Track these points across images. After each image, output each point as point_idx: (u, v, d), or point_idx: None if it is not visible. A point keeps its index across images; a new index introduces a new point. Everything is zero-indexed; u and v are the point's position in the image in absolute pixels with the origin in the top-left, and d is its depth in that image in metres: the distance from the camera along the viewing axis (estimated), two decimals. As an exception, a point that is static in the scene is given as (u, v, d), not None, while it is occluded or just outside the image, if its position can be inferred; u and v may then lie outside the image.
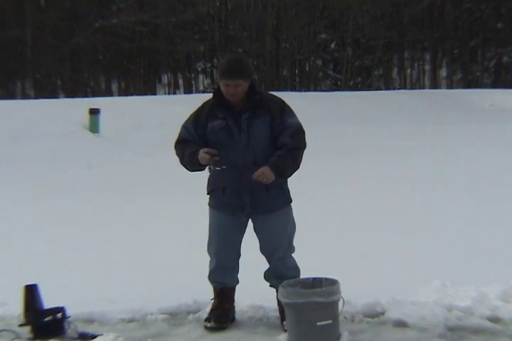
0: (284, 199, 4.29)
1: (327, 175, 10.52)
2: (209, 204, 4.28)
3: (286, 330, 4.01)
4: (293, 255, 4.36)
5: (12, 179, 10.98)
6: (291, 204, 4.40)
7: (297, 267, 4.29)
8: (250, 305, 4.43)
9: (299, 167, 4.15)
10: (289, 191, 4.34)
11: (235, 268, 4.32)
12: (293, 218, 4.36)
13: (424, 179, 9.77)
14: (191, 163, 4.10)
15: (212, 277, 4.30)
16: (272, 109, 4.10)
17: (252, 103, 4.08)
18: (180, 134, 4.21)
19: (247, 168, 4.02)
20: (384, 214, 7.47)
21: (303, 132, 4.17)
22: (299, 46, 40.84)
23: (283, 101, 4.20)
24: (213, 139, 4.10)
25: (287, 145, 4.05)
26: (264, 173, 3.95)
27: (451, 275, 4.69)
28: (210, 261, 4.29)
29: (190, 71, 45.69)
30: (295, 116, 4.20)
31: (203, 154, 3.98)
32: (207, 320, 4.25)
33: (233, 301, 4.36)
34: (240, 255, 4.30)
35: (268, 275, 4.26)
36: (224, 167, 4.01)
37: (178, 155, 4.18)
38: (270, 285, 4.28)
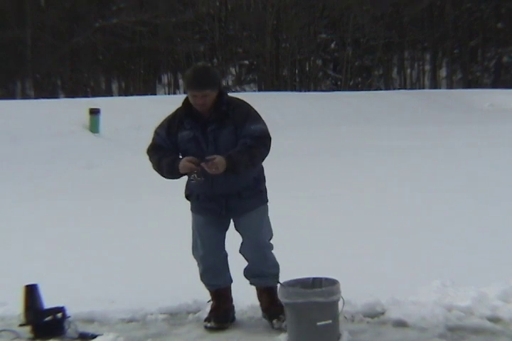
0: (260, 198, 4.26)
1: (327, 175, 10.51)
2: (190, 208, 4.32)
3: (274, 327, 4.07)
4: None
5: (12, 179, 10.98)
6: (269, 203, 4.38)
7: (277, 264, 4.25)
8: (250, 305, 4.43)
9: (255, 166, 4.12)
10: (265, 191, 4.33)
11: (225, 269, 4.32)
12: (268, 218, 4.30)
13: (424, 179, 9.77)
14: (169, 172, 4.08)
15: (203, 280, 4.32)
16: (237, 118, 4.05)
17: (219, 114, 4.05)
18: (154, 139, 4.20)
19: (217, 177, 4.00)
20: (384, 214, 7.47)
21: (267, 137, 4.11)
22: (299, 46, 40.83)
23: (248, 109, 4.12)
24: (183, 148, 4.14)
25: (246, 144, 4.01)
26: (216, 164, 3.88)
27: (451, 275, 4.68)
28: (198, 265, 4.30)
29: (190, 71, 45.62)
30: (261, 122, 4.11)
31: (185, 163, 3.96)
32: (207, 319, 4.25)
33: (231, 300, 4.36)
34: (226, 254, 4.31)
35: (247, 274, 4.25)
36: (203, 178, 3.97)
37: (151, 161, 4.17)
38: (250, 283, 4.27)
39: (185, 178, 4.16)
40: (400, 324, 4.16)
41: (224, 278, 4.32)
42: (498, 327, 4.05)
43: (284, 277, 4.03)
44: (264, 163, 4.29)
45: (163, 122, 4.20)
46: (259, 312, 4.40)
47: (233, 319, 4.32)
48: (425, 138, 15.55)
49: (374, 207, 7.91)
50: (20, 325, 4.20)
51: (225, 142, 4.04)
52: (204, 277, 4.29)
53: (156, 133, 4.19)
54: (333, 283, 3.92)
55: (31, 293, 4.25)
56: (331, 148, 14.16)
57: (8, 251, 6.44)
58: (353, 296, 4.27)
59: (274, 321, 4.15)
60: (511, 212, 7.37)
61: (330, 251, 5.91)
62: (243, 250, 4.22)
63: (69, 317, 4.21)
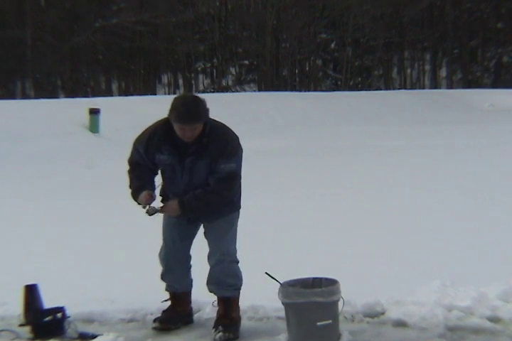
0: (231, 206, 4.20)
1: (327, 175, 10.51)
2: None
3: (214, 339, 4.01)
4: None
5: (12, 179, 10.98)
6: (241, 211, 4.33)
7: (237, 275, 4.18)
8: (250, 305, 4.43)
9: (212, 210, 4.06)
10: (238, 200, 4.25)
11: (184, 274, 4.32)
12: (236, 226, 4.25)
13: (424, 179, 9.76)
14: (132, 196, 4.15)
15: (162, 279, 4.35)
16: (213, 152, 3.98)
17: (199, 146, 3.99)
18: (132, 155, 4.21)
19: (189, 190, 4.06)
20: (384, 214, 7.47)
21: (233, 178, 4.06)
22: (299, 46, 40.87)
23: (226, 143, 4.02)
24: (161, 168, 4.18)
25: (209, 187, 4.00)
26: (169, 208, 4.03)
27: (451, 275, 4.68)
28: (160, 264, 4.33)
29: (190, 71, 45.68)
30: (233, 160, 4.02)
31: (143, 197, 4.05)
32: (154, 319, 4.29)
33: (188, 304, 4.38)
34: (189, 261, 4.31)
35: (207, 280, 4.21)
36: (157, 214, 4.11)
37: (128, 176, 4.21)
38: (209, 291, 4.24)
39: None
40: (400, 324, 4.16)
41: (182, 283, 4.33)
42: (498, 327, 4.05)
43: (284, 277, 4.02)
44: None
45: (142, 138, 4.14)
46: (260, 312, 4.41)
47: (191, 321, 4.35)
48: (425, 138, 15.54)
49: (374, 207, 7.91)
50: (20, 325, 4.20)
51: (200, 173, 4.04)
52: (163, 277, 4.33)
53: (135, 148, 4.18)
54: (333, 283, 3.92)
55: (31, 293, 4.25)
56: (331, 148, 14.16)
57: (8, 251, 6.44)
58: (353, 296, 4.27)
59: (216, 333, 4.05)
60: (511, 212, 7.37)
61: (330, 251, 5.91)
62: (208, 257, 4.21)
63: (69, 317, 4.21)
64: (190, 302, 4.40)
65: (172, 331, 4.24)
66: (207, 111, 4.00)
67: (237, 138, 4.13)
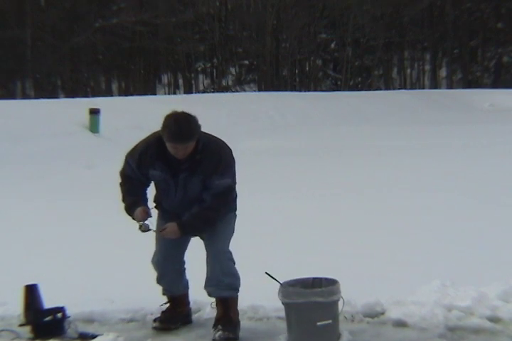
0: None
1: (327, 175, 10.51)
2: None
3: (214, 338, 4.02)
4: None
5: (12, 179, 10.98)
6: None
7: (235, 275, 4.17)
8: (250, 305, 4.43)
9: (211, 226, 4.06)
10: (234, 201, 4.25)
11: (179, 278, 4.34)
12: (233, 226, 4.25)
13: (424, 179, 9.77)
14: (126, 211, 4.17)
15: (158, 283, 4.36)
16: (206, 168, 3.98)
17: (192, 163, 3.98)
18: (124, 168, 4.21)
19: (183, 209, 4.09)
20: (384, 214, 7.47)
21: (228, 193, 4.08)
22: (299, 46, 40.87)
23: (219, 159, 4.00)
24: (155, 182, 4.20)
25: (205, 203, 4.00)
26: (169, 232, 4.04)
27: (451, 275, 4.68)
28: (154, 269, 4.34)
29: (190, 71, 45.68)
30: (227, 175, 4.02)
31: (138, 213, 4.08)
32: (154, 319, 4.32)
33: (187, 305, 4.40)
34: (182, 265, 4.32)
35: (205, 283, 4.18)
36: (153, 230, 4.13)
37: (120, 189, 4.22)
38: (208, 294, 4.22)
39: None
40: (400, 324, 4.16)
41: (178, 287, 4.35)
42: (498, 327, 4.05)
43: (284, 277, 4.02)
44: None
45: (134, 153, 4.13)
46: (260, 312, 4.41)
47: (190, 321, 4.37)
48: (425, 138, 15.54)
49: (374, 207, 7.91)
50: (20, 325, 4.20)
51: (194, 188, 4.04)
52: (158, 281, 4.35)
53: (127, 162, 4.17)
54: (333, 283, 3.92)
55: (31, 293, 4.25)
56: (331, 148, 14.15)
57: (8, 251, 6.44)
58: (353, 296, 4.27)
59: (215, 332, 4.06)
60: (511, 212, 7.37)
61: (330, 251, 5.91)
62: (206, 259, 4.18)
63: (69, 317, 4.21)
64: (188, 303, 4.41)
65: (172, 331, 4.24)
66: (199, 128, 3.96)
67: (229, 151, 4.10)
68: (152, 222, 4.18)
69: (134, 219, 4.14)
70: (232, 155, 4.10)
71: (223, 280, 4.11)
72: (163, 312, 4.36)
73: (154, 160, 4.03)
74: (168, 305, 4.38)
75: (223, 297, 4.15)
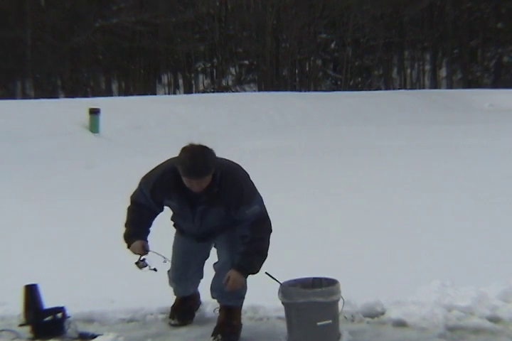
0: None
1: (327, 175, 10.52)
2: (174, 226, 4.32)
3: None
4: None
5: (12, 179, 10.98)
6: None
7: (243, 283, 4.08)
8: (250, 305, 4.42)
9: (266, 256, 3.96)
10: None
11: (194, 286, 4.38)
12: None
13: (424, 179, 9.77)
14: (124, 239, 4.12)
15: (171, 286, 4.40)
16: (228, 200, 3.88)
17: (209, 196, 3.88)
18: (136, 195, 4.11)
19: (203, 236, 4.09)
20: (384, 214, 7.47)
21: (264, 219, 3.96)
22: (299, 46, 40.85)
23: (241, 189, 3.89)
24: (171, 209, 4.14)
25: (246, 238, 3.88)
26: (235, 282, 3.89)
27: (451, 275, 4.68)
28: (170, 282, 4.36)
29: (190, 71, 45.68)
30: (255, 203, 3.92)
31: (136, 247, 4.03)
32: (171, 317, 4.34)
33: (197, 297, 4.46)
34: (201, 278, 4.33)
35: (211, 286, 4.17)
36: (155, 269, 4.07)
37: (127, 214, 4.16)
38: (212, 297, 4.22)
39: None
40: (400, 324, 4.16)
41: (191, 291, 4.39)
42: (498, 327, 4.05)
43: (284, 277, 4.02)
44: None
45: (149, 181, 4.02)
46: (260, 312, 4.40)
47: (198, 308, 4.44)
48: (425, 138, 15.54)
49: (374, 207, 7.91)
50: (20, 325, 4.19)
51: (213, 220, 3.99)
52: (173, 286, 4.39)
53: (141, 189, 4.07)
54: (333, 283, 3.91)
55: (31, 293, 4.25)
56: (331, 148, 14.15)
57: (8, 251, 6.44)
58: (353, 296, 4.27)
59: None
60: (511, 211, 7.37)
61: (330, 251, 5.91)
62: (214, 264, 4.19)
63: (69, 317, 4.21)
64: (198, 294, 4.45)
65: (172, 331, 4.24)
66: (214, 161, 3.83)
67: (248, 176, 4.00)
68: (149, 258, 4.09)
69: (128, 248, 4.10)
70: (251, 180, 3.99)
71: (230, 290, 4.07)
72: (174, 308, 4.37)
73: (170, 191, 3.95)
74: (177, 300, 4.42)
75: (228, 305, 4.12)
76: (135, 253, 4.06)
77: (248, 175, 4.02)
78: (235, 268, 3.88)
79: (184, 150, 3.82)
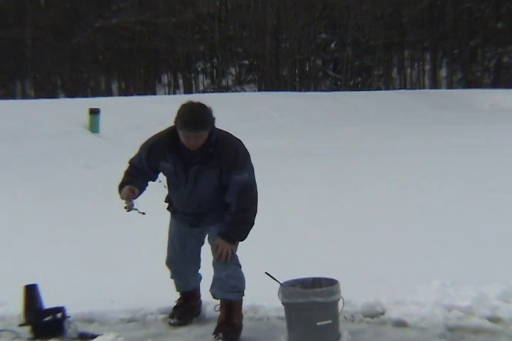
0: None
1: (327, 175, 10.51)
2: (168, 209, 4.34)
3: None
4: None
5: (12, 179, 10.97)
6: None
7: (241, 278, 4.13)
8: (250, 305, 4.42)
9: (252, 225, 4.02)
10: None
11: (193, 277, 4.38)
12: None
13: (424, 179, 9.76)
14: (119, 191, 4.09)
15: (172, 279, 4.40)
16: (222, 163, 3.95)
17: (204, 155, 3.96)
18: (133, 158, 4.21)
19: (191, 200, 4.09)
20: (384, 214, 7.47)
21: (250, 188, 4.00)
22: (299, 46, 40.88)
23: (236, 153, 3.98)
24: (165, 175, 4.18)
25: (232, 207, 3.96)
26: (224, 249, 3.96)
27: (451, 275, 4.68)
28: (171, 274, 4.37)
29: (190, 71, 45.70)
30: (245, 169, 3.98)
31: (124, 191, 4.01)
32: (171, 316, 4.35)
33: (198, 297, 4.44)
34: (199, 266, 4.35)
35: (212, 284, 4.15)
36: (143, 213, 4.05)
37: (122, 175, 4.20)
38: (212, 296, 4.19)
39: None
40: (400, 324, 4.16)
41: (190, 284, 4.39)
42: (498, 327, 4.05)
43: (284, 277, 4.02)
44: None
45: (147, 144, 4.15)
46: (260, 312, 4.40)
47: (198, 314, 4.42)
48: (425, 138, 15.54)
49: (374, 207, 7.91)
50: (20, 325, 4.19)
51: (205, 183, 4.02)
52: (173, 279, 4.40)
53: (139, 153, 4.18)
54: (333, 283, 3.91)
55: (31, 293, 4.25)
56: (331, 148, 14.16)
57: (8, 251, 6.44)
58: (353, 296, 4.27)
59: (216, 340, 4.02)
60: (511, 211, 7.37)
61: (330, 251, 5.91)
62: (213, 261, 4.15)
63: (69, 317, 4.21)
64: (199, 296, 4.44)
65: (172, 331, 4.24)
66: (213, 119, 3.98)
67: (244, 147, 4.08)
68: (138, 203, 4.08)
69: (121, 197, 4.07)
70: (247, 150, 4.07)
71: (228, 283, 4.08)
72: (175, 307, 4.38)
73: (167, 152, 4.03)
74: (180, 299, 4.42)
75: (228, 299, 4.11)
76: (124, 198, 4.02)
77: (243, 143, 4.10)
78: (221, 236, 3.97)
79: (183, 105, 3.96)
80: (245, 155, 4.03)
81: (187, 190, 4.07)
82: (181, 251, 4.26)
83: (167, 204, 4.32)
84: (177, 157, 4.02)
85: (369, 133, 17.31)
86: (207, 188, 4.03)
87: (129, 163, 4.24)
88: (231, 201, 3.98)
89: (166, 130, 4.12)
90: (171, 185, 4.20)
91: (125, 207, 4.03)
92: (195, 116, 3.88)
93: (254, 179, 4.06)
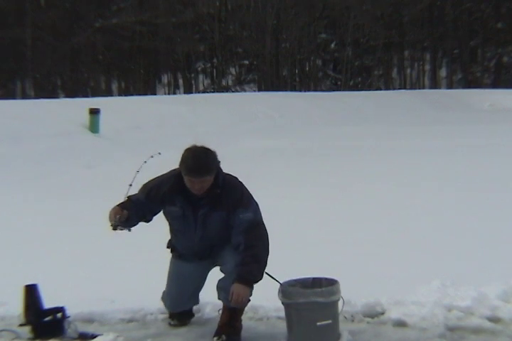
0: None
1: (327, 175, 10.51)
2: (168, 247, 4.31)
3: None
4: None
5: (12, 179, 10.98)
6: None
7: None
8: (250, 305, 4.41)
9: (265, 263, 3.92)
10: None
11: (190, 307, 4.36)
12: None
13: (423, 179, 9.77)
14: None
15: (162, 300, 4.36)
16: (229, 203, 3.92)
17: (212, 197, 3.93)
18: (136, 194, 4.12)
19: (202, 251, 4.06)
20: (384, 214, 7.47)
21: (257, 226, 3.95)
22: (299, 46, 40.89)
23: (241, 193, 3.97)
24: (169, 220, 4.14)
25: (241, 245, 3.87)
26: (239, 295, 3.80)
27: (451, 275, 4.68)
28: (163, 301, 4.32)
29: (190, 71, 45.70)
30: (251, 208, 3.95)
31: (112, 210, 3.97)
32: (171, 317, 4.34)
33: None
34: (196, 304, 4.33)
35: (219, 286, 4.06)
36: (130, 230, 4.04)
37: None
38: (218, 298, 4.13)
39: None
40: (400, 324, 4.16)
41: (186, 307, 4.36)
42: (498, 327, 4.05)
43: (284, 277, 4.02)
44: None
45: (147, 185, 4.09)
46: (260, 312, 4.40)
47: (193, 314, 4.41)
48: (425, 138, 15.55)
49: (374, 207, 7.91)
50: (20, 325, 4.19)
51: (215, 226, 3.98)
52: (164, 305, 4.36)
53: (138, 194, 4.09)
54: (333, 283, 3.91)
55: (31, 293, 4.25)
56: (331, 148, 14.16)
57: (8, 251, 6.44)
58: (353, 296, 4.27)
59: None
60: (511, 211, 7.37)
61: (330, 251, 5.91)
62: (224, 267, 4.09)
63: (69, 317, 4.21)
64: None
65: (172, 331, 4.24)
66: (217, 163, 3.93)
67: (244, 186, 4.05)
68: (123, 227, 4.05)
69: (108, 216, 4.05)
70: (248, 191, 4.03)
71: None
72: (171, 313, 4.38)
73: (174, 195, 3.97)
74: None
75: (233, 307, 4.06)
76: (111, 219, 3.99)
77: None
78: (236, 281, 3.81)
79: (187, 150, 3.90)
80: (249, 195, 4.01)
81: (197, 235, 4.02)
82: (179, 293, 4.21)
83: (170, 249, 4.28)
84: (184, 200, 3.97)
85: (369, 133, 17.31)
86: (217, 230, 4.00)
87: (128, 197, 4.15)
88: (239, 240, 3.90)
89: (170, 172, 4.08)
90: (176, 231, 4.14)
91: (111, 225, 4.00)
92: (199, 162, 3.84)
93: (261, 218, 4.01)
